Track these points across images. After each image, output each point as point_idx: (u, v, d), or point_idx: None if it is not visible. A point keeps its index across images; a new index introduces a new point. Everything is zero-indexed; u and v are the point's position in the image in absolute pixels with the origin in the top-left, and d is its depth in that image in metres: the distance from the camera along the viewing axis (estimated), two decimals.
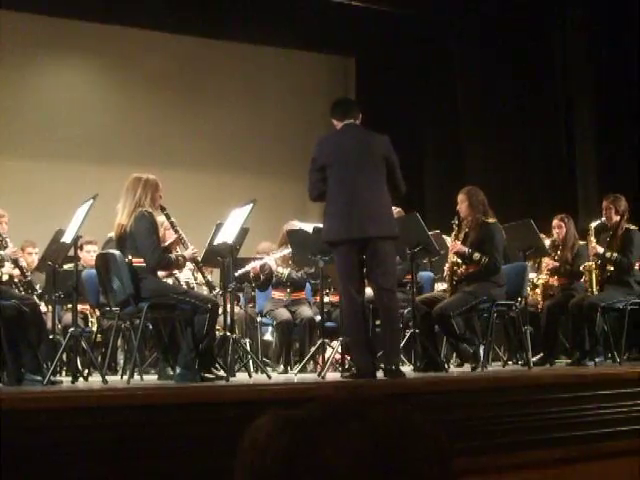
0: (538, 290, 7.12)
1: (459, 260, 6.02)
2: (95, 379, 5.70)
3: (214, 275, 6.60)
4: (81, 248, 6.66)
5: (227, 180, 10.30)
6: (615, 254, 6.34)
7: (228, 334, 5.46)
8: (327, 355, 5.90)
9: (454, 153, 10.40)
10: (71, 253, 5.61)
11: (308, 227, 6.30)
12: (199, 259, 5.68)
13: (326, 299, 6.76)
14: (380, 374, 4.90)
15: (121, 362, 6.89)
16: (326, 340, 6.06)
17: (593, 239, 6.45)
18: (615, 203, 6.52)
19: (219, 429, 3.16)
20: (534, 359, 6.46)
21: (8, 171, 9.39)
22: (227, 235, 5.56)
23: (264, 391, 3.94)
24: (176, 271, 6.37)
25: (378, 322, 5.72)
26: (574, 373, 5.36)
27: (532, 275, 7.11)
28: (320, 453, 0.90)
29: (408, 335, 5.86)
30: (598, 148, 9.30)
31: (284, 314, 7.15)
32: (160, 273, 5.62)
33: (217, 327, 5.74)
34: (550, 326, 6.78)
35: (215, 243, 5.76)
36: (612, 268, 6.41)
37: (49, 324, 5.99)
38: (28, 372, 4.76)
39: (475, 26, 9.97)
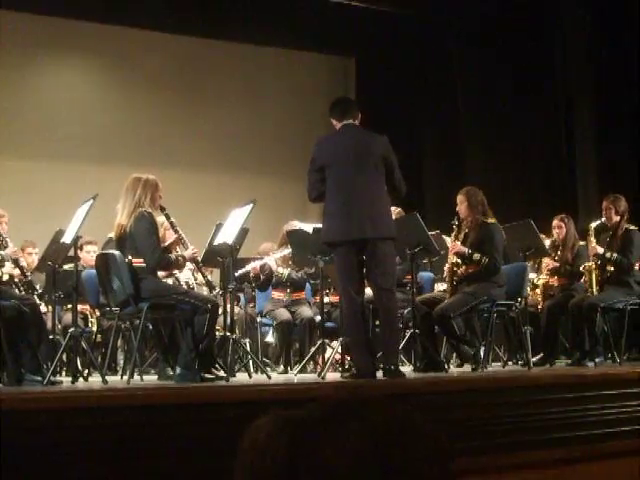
0: (538, 290, 7.12)
1: (459, 260, 6.02)
2: (95, 379, 5.70)
3: (214, 275, 6.59)
4: (81, 248, 6.66)
5: (227, 180, 10.30)
6: (615, 254, 6.34)
7: (228, 334, 5.46)
8: (327, 355, 5.90)
9: (454, 153, 10.40)
10: (71, 253, 5.61)
11: (308, 227, 6.31)
12: (199, 259, 5.68)
13: (326, 299, 6.75)
14: (380, 374, 4.90)
15: (121, 362, 6.89)
16: (326, 340, 6.06)
17: (593, 239, 6.44)
18: (615, 203, 6.52)
19: (219, 429, 3.16)
20: (534, 359, 6.46)
21: (8, 171, 9.39)
22: (227, 235, 5.56)
23: (264, 391, 3.93)
24: (176, 271, 6.37)
25: (378, 322, 5.72)
26: (574, 373, 5.36)
27: (532, 275, 7.11)
28: (320, 453, 0.90)
29: (408, 335, 5.86)
30: (598, 148, 9.29)
31: (284, 314, 7.14)
32: (160, 273, 5.62)
33: (217, 327, 5.73)
34: (550, 326, 6.77)
35: (215, 243, 5.76)
36: (612, 268, 6.40)
37: (49, 324, 5.99)
38: (28, 372, 4.75)
39: (474, 26, 9.95)
